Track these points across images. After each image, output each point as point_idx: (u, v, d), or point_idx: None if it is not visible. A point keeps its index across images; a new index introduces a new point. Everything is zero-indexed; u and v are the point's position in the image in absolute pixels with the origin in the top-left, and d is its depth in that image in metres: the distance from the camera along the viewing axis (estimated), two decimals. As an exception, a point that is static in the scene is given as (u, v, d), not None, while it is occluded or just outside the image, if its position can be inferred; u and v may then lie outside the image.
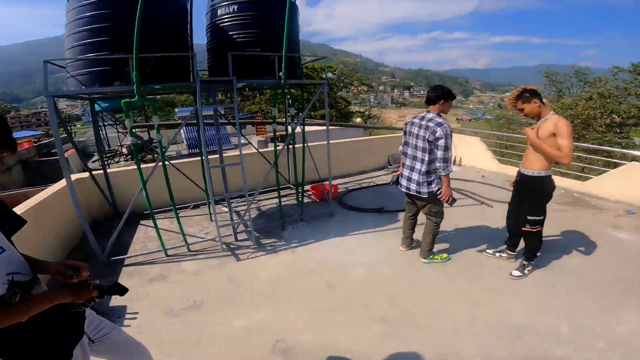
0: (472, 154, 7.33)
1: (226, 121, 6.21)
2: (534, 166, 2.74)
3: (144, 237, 4.14)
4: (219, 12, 3.79)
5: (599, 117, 15.55)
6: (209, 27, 3.98)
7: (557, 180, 5.94)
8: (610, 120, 15.68)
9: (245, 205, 4.94)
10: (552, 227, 4.01)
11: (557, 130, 2.53)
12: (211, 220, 4.45)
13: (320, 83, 4.18)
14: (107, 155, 12.11)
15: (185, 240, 3.64)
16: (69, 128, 11.80)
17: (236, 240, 3.92)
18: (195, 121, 11.46)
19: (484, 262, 3.30)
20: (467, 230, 4.05)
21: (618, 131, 15.47)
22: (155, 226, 3.45)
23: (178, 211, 3.65)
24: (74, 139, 12.37)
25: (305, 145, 4.44)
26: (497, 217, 4.16)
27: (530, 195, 2.83)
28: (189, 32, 3.66)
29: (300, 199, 4.55)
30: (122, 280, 3.17)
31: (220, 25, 3.79)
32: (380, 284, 3.00)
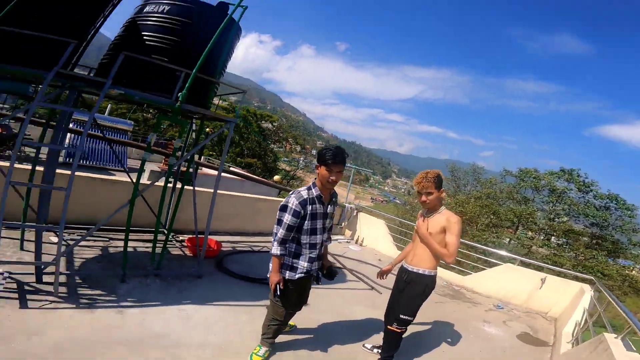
0: (374, 236, 7.31)
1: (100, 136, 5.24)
2: (424, 264, 2.50)
3: None
4: (147, 8, 3.31)
5: (483, 216, 17.86)
6: (127, 21, 3.46)
7: (442, 272, 6.27)
8: (490, 221, 18.10)
9: (89, 241, 3.87)
10: (429, 318, 3.94)
11: (448, 226, 2.40)
12: (20, 249, 3.30)
13: (228, 120, 3.66)
14: None
15: None
16: None
17: (39, 282, 2.80)
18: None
19: (359, 358, 2.86)
20: (352, 319, 3.54)
21: (494, 231, 17.82)
22: None
23: None
24: None
25: (192, 188, 3.87)
26: (384, 306, 3.89)
27: (412, 294, 2.53)
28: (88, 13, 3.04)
29: (163, 248, 3.68)
30: None
31: (139, 22, 3.29)
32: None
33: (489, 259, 7.45)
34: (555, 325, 4.59)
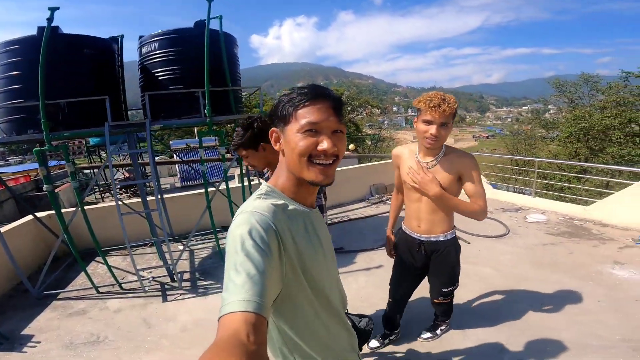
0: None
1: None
2: (441, 228, 1.89)
3: (90, 273, 3.90)
4: (144, 50, 3.63)
5: (617, 128, 14.45)
6: (138, 65, 3.81)
7: (558, 206, 5.31)
8: (629, 130, 14.55)
9: (203, 243, 4.82)
10: (530, 265, 3.41)
11: (467, 172, 1.70)
12: (160, 258, 4.25)
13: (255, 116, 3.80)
14: (102, 189, 12.12)
15: (115, 278, 3.55)
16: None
17: (172, 280, 3.70)
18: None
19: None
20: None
21: (638, 141, 14.26)
22: (106, 262, 3.45)
23: (135, 248, 3.92)
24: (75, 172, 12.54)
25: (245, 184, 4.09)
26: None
27: (442, 267, 2.00)
28: (110, 74, 3.48)
29: None
30: (45, 313, 3.24)
31: (146, 63, 3.61)
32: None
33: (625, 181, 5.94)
34: None
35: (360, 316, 1.39)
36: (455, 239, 1.96)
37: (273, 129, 0.83)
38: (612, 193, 4.87)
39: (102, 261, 3.43)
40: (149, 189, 11.69)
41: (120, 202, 4.45)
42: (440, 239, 1.90)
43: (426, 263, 2.01)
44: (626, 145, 14.17)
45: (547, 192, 6.26)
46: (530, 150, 21.08)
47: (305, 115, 0.76)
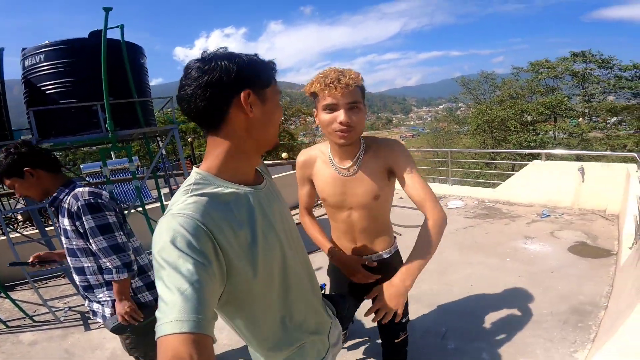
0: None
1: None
2: (383, 243, 1.42)
3: None
4: (27, 63, 3.13)
5: (513, 118, 16.70)
6: (22, 79, 3.26)
7: (472, 191, 5.81)
8: (523, 120, 16.94)
9: None
10: (454, 249, 3.63)
11: (398, 164, 1.21)
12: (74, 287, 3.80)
13: (169, 129, 3.52)
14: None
15: (24, 312, 3.27)
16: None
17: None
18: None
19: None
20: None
21: (532, 129, 16.66)
22: (7, 296, 3.23)
23: (46, 280, 3.75)
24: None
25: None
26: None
27: None
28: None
29: None
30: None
31: (30, 77, 3.10)
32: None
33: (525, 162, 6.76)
34: (618, 226, 3.82)
35: (341, 296, 1.16)
36: (398, 251, 1.52)
37: (247, 90, 0.67)
38: (511, 174, 5.50)
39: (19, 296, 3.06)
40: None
41: (18, 234, 3.94)
42: (384, 256, 1.42)
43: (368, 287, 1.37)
44: (522, 133, 16.43)
45: (466, 179, 6.88)
46: (448, 144, 23.29)
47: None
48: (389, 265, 1.41)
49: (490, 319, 2.48)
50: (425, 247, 1.12)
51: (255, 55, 0.72)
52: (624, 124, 16.53)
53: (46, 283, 4.24)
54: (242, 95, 0.67)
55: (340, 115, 1.11)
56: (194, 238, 0.58)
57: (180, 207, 0.63)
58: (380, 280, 1.22)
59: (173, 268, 0.55)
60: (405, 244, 1.36)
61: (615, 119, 16.64)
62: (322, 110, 1.15)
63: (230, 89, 0.66)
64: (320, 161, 1.33)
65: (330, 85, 1.09)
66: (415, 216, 4.69)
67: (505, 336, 2.28)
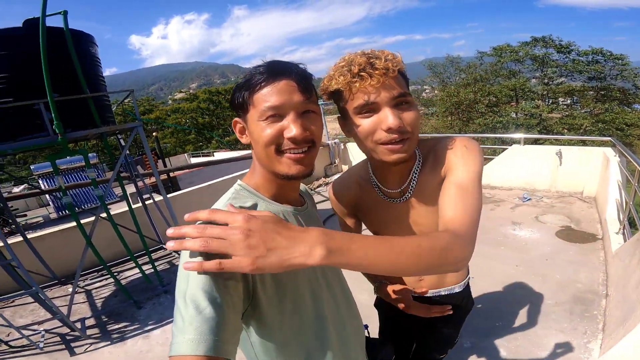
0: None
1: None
2: (458, 274, 1.16)
3: None
4: None
5: (479, 101, 17.24)
6: None
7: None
8: (489, 101, 17.53)
9: (100, 280, 4.10)
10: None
11: (450, 165, 0.82)
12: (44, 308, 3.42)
13: (132, 126, 3.09)
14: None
15: None
16: None
17: (72, 330, 3.06)
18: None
19: None
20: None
21: (496, 110, 17.30)
22: None
23: (13, 300, 3.39)
24: None
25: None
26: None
27: (454, 324, 1.26)
28: None
29: (154, 266, 3.63)
30: None
31: None
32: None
33: (502, 146, 6.86)
34: (597, 208, 3.93)
35: (381, 343, 0.99)
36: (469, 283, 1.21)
37: (235, 119, 0.71)
38: (491, 158, 5.53)
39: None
40: (7, 230, 9.26)
41: None
42: (456, 290, 1.13)
43: (430, 325, 1.18)
44: (488, 115, 17.01)
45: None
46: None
47: (265, 99, 0.63)
48: (457, 298, 1.13)
49: (499, 312, 2.42)
50: (403, 244, 0.57)
51: (252, 68, 0.67)
52: (577, 104, 17.59)
53: (12, 302, 3.81)
54: (234, 122, 0.72)
55: (387, 117, 0.72)
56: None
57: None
58: (439, 321, 0.97)
59: (196, 283, 0.52)
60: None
61: (570, 100, 17.66)
62: (354, 115, 0.76)
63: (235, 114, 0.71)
64: (361, 189, 0.97)
65: (362, 74, 0.71)
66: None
67: (517, 330, 2.23)
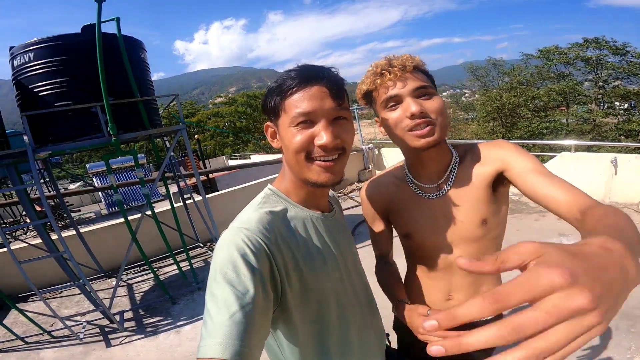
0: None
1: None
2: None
3: (12, 323, 3.52)
4: (15, 62, 2.87)
5: (523, 105, 16.30)
6: (12, 81, 3.01)
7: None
8: (535, 106, 16.52)
9: (141, 274, 4.36)
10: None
11: (511, 159, 0.82)
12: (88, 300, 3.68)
13: (177, 129, 3.27)
14: (9, 227, 9.99)
15: (40, 327, 3.12)
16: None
17: (112, 322, 3.26)
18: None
19: None
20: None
21: (543, 115, 16.25)
22: (20, 311, 3.06)
23: (60, 290, 3.65)
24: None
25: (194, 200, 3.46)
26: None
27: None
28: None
29: (191, 263, 3.79)
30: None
31: (20, 78, 2.85)
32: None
33: (550, 153, 6.42)
34: None
35: (400, 354, 0.97)
36: None
37: (267, 123, 0.71)
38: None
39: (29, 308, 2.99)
40: (62, 224, 10.08)
41: (26, 244, 3.81)
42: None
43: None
44: (533, 120, 16.03)
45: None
46: (455, 131, 22.90)
47: (296, 105, 0.63)
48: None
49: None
50: (627, 228, 0.47)
51: (284, 72, 0.66)
52: (635, 109, 16.12)
53: (60, 293, 4.12)
54: (265, 126, 0.72)
55: (410, 105, 0.78)
56: (254, 256, 0.56)
57: (245, 220, 0.63)
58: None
59: (228, 285, 0.52)
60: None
61: (627, 104, 16.22)
62: (382, 110, 0.84)
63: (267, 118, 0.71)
64: (397, 188, 0.96)
65: (383, 73, 0.81)
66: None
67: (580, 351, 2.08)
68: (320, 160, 0.64)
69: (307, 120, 0.63)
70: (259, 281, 0.54)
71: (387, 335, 0.95)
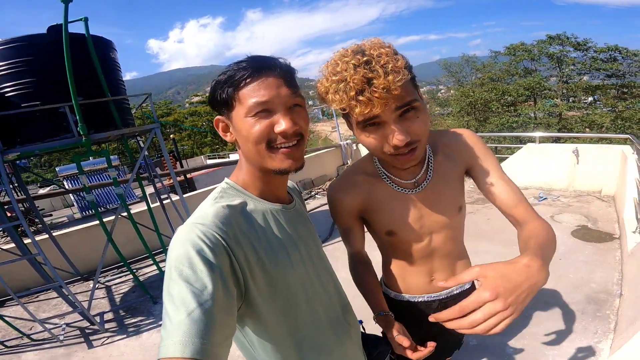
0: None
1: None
2: (466, 268, 0.89)
3: None
4: None
5: (494, 100, 16.94)
6: None
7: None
8: (504, 101, 17.21)
9: (119, 276, 4.33)
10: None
11: (475, 160, 0.91)
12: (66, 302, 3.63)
13: (150, 128, 3.23)
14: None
15: (18, 330, 3.09)
16: None
17: (92, 323, 3.24)
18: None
19: None
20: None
21: (513, 109, 16.95)
22: None
23: (37, 295, 3.68)
24: None
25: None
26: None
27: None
28: None
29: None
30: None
31: None
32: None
33: (519, 145, 6.72)
34: (615, 207, 3.81)
35: (377, 338, 0.97)
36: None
37: (218, 117, 0.69)
38: (505, 157, 5.45)
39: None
40: (34, 228, 9.69)
41: None
42: (467, 286, 1.10)
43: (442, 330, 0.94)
44: (504, 115, 16.69)
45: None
46: (432, 126, 23.40)
47: (251, 95, 0.62)
48: (469, 293, 0.94)
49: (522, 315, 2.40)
50: (548, 242, 0.73)
51: (232, 64, 0.65)
52: (599, 102, 17.05)
53: (37, 297, 4.08)
54: (215, 120, 0.70)
55: (394, 133, 0.71)
56: (211, 252, 0.54)
57: (201, 215, 0.61)
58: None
59: (185, 283, 0.51)
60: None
61: (590, 98, 17.14)
62: (358, 129, 0.75)
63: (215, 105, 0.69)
64: (370, 185, 0.92)
65: (360, 99, 0.65)
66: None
67: (527, 329, 2.21)
68: (282, 147, 0.64)
69: (265, 110, 0.62)
70: (219, 277, 0.53)
71: (361, 322, 0.96)
